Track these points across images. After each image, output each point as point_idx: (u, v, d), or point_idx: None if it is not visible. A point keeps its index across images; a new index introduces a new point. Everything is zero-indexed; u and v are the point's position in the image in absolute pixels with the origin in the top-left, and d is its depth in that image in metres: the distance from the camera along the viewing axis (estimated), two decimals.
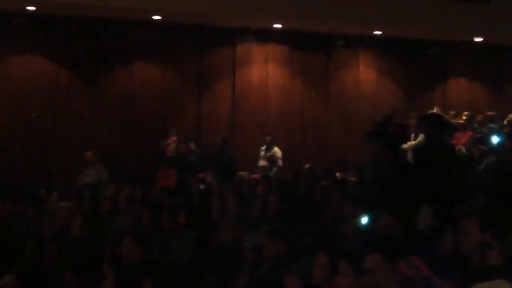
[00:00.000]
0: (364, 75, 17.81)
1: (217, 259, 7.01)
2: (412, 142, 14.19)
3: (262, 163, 15.49)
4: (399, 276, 4.06)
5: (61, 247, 7.82)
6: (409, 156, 14.08)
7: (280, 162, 15.35)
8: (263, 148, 15.52)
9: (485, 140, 13.97)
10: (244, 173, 15.26)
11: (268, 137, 15.53)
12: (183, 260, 6.77)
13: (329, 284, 4.86)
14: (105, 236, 8.79)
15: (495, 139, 13.69)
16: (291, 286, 4.59)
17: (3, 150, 14.90)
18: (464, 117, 15.29)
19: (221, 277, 6.48)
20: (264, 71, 16.99)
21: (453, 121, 14.70)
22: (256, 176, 14.45)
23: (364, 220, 7.49)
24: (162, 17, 15.52)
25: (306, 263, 5.79)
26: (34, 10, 14.63)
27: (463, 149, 13.97)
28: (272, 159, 15.35)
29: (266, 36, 16.88)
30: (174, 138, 15.38)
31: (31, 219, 10.17)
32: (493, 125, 15.04)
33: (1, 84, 15.07)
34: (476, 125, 15.26)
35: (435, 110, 15.49)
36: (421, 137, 13.80)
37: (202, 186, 13.27)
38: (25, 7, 14.40)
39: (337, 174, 14.07)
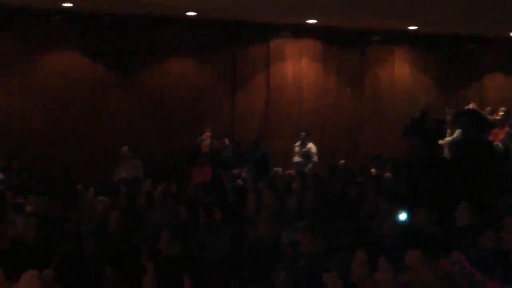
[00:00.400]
0: (399, 71, 17.69)
1: (253, 255, 7.01)
2: (448, 138, 14.07)
3: (296, 159, 15.47)
4: (441, 273, 4.02)
5: (98, 242, 7.92)
6: (445, 152, 13.99)
7: (315, 158, 15.32)
8: (298, 144, 15.50)
9: None
10: (279, 169, 15.26)
11: (303, 133, 15.50)
12: (219, 256, 6.77)
13: (368, 280, 4.83)
14: (141, 231, 8.87)
15: None
16: (331, 284, 4.57)
17: (41, 145, 15.08)
18: (501, 113, 15.13)
19: (258, 272, 6.49)
20: (298, 67, 16.96)
21: (490, 117, 14.53)
22: (291, 172, 14.45)
23: (402, 216, 7.46)
24: (196, 13, 15.56)
25: (343, 260, 5.78)
26: (71, 6, 14.76)
27: (500, 145, 13.84)
28: (307, 155, 15.33)
29: (300, 31, 16.84)
30: (208, 134, 15.43)
31: (69, 214, 10.26)
32: None
33: (38, 80, 15.23)
34: None
35: (471, 106, 15.36)
36: (457, 133, 13.70)
37: (240, 182, 13.31)
38: (62, 3, 14.52)
39: (372, 170, 14.04)
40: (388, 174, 13.19)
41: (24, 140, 14.94)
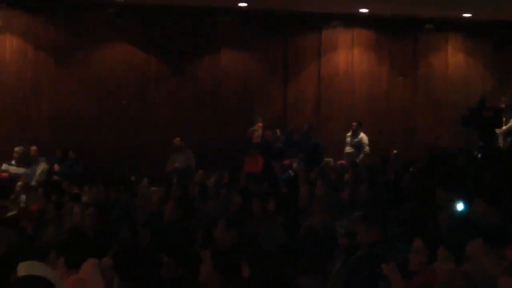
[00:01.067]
0: (453, 59, 17.38)
1: (308, 245, 6.98)
2: (504, 127, 13.81)
3: (348, 149, 15.37)
4: (506, 263, 3.93)
5: (153, 231, 8.00)
6: (500, 142, 13.74)
7: (367, 149, 15.19)
8: (349, 134, 15.39)
9: None
10: (330, 160, 15.18)
11: (354, 123, 15.38)
12: (274, 245, 6.76)
13: (427, 270, 4.77)
14: (195, 220, 8.92)
15: None
16: (390, 274, 4.51)
17: (95, 136, 15.30)
18: None
19: (313, 262, 6.45)
20: (350, 56, 16.82)
21: None
22: (343, 162, 14.36)
23: (459, 206, 7.33)
24: (248, 4, 15.55)
25: (400, 249, 5.71)
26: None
27: None
28: (358, 145, 15.21)
29: (352, 20, 16.69)
30: (260, 124, 15.44)
31: (124, 203, 10.38)
32: None
33: (92, 72, 15.45)
34: None
35: None
36: None
37: (291, 172, 13.28)
38: None
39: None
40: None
41: (79, 132, 15.18)
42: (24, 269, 3.93)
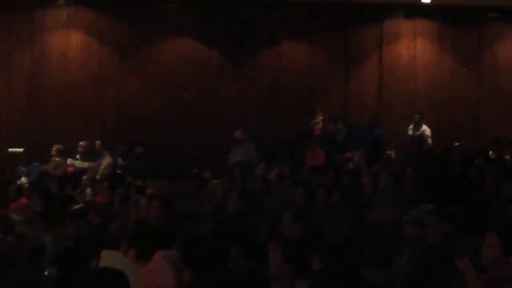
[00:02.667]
0: None
1: (374, 237, 6.93)
2: None
3: None
4: None
5: (218, 223, 8.05)
6: None
7: (429, 141, 14.94)
8: (411, 126, 15.17)
9: None
10: (392, 152, 15.03)
11: (417, 115, 15.14)
12: (340, 238, 6.74)
13: (502, 264, 4.66)
14: (259, 213, 8.94)
15: None
16: (465, 269, 4.42)
17: (157, 129, 15.46)
18: None
19: (380, 255, 6.39)
20: (412, 47, 16.55)
21: None
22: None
23: None
24: None
25: (471, 243, 5.61)
26: None
27: None
28: (421, 138, 14.98)
29: (414, 11, 16.43)
30: (321, 117, 15.35)
31: (188, 196, 10.47)
32: None
33: (154, 66, 15.61)
34: None
35: None
36: None
37: (352, 165, 13.19)
38: None
39: (490, 152, 13.55)
40: (508, 157, 12.72)
41: (142, 126, 15.36)
42: (107, 258, 3.99)
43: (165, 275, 4.97)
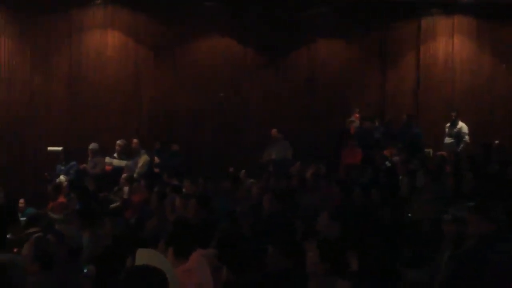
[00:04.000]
0: None
1: (413, 237, 6.87)
2: None
3: (447, 140, 14.98)
4: None
5: (254, 222, 8.04)
6: None
7: (466, 138, 14.76)
8: (448, 125, 15.00)
9: None
10: (429, 150, 14.89)
11: (453, 113, 14.97)
12: (378, 236, 6.67)
13: None
14: (295, 211, 8.91)
15: None
16: None
17: (193, 128, 15.51)
18: None
19: (419, 254, 6.33)
20: (450, 44, 16.36)
21: None
22: (443, 153, 14.03)
23: None
24: None
25: None
26: None
27: None
28: (458, 136, 14.80)
29: (452, 8, 16.24)
30: (357, 115, 15.27)
31: (224, 195, 10.49)
32: None
33: (190, 65, 15.66)
34: None
35: None
36: None
37: (387, 163, 13.09)
38: None
39: None
40: None
41: (177, 124, 15.43)
42: (142, 256, 4.00)
43: (203, 274, 4.97)
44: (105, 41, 15.30)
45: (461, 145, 14.63)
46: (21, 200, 12.47)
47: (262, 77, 15.91)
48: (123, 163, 13.87)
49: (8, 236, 7.82)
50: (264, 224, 7.96)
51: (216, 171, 13.24)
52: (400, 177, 10.95)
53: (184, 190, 10.75)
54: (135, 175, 13.17)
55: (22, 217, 10.45)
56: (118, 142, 14.13)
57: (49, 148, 14.51)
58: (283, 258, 5.06)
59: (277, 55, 15.99)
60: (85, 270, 6.06)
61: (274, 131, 14.58)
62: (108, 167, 13.82)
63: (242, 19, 15.81)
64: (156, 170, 14.03)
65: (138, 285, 3.17)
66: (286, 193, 9.69)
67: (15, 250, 6.85)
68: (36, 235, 6.22)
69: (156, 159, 14.33)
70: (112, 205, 11.07)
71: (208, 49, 15.75)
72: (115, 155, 14.09)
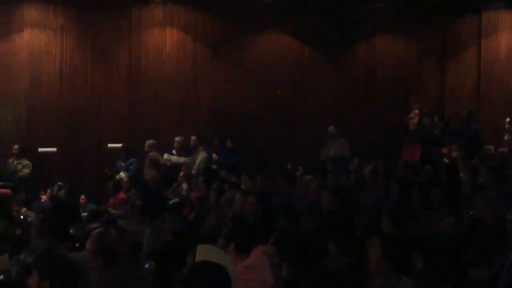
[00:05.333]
0: None
1: (476, 236, 6.73)
2: None
3: (506, 136, 14.63)
4: None
5: (313, 218, 8.00)
6: None
7: None
8: (508, 119, 14.64)
9: None
10: (490, 147, 14.58)
11: None
12: (441, 235, 6.57)
13: None
14: (354, 208, 8.85)
15: None
16: None
17: (250, 125, 15.53)
18: None
19: (482, 254, 6.21)
20: None
21: None
22: (504, 149, 13.74)
23: None
24: None
25: None
26: None
27: None
28: None
29: None
30: (416, 112, 15.07)
31: (282, 192, 10.48)
32: None
33: (248, 62, 15.70)
34: None
35: None
36: None
37: (446, 160, 12.89)
38: None
39: None
40: None
41: (235, 121, 15.47)
42: (202, 252, 4.03)
43: (264, 270, 4.97)
44: (164, 38, 15.44)
45: None
46: (82, 196, 12.68)
47: (320, 74, 15.85)
48: (181, 159, 13.98)
49: (70, 231, 7.99)
50: (324, 220, 7.91)
51: (273, 167, 13.23)
52: (461, 174, 10.76)
53: (242, 186, 10.78)
54: (193, 172, 13.27)
55: (83, 213, 10.69)
56: (177, 139, 14.25)
57: (109, 145, 14.74)
58: (344, 256, 5.02)
59: (336, 52, 15.90)
60: (146, 265, 6.12)
61: (331, 128, 14.51)
62: (167, 163, 13.94)
63: (300, 15, 15.75)
64: (214, 167, 14.10)
65: (203, 281, 3.20)
66: (344, 190, 9.61)
67: (77, 244, 7.00)
68: (98, 230, 6.33)
69: (214, 156, 14.41)
70: (171, 202, 11.21)
71: (266, 46, 15.76)
72: (174, 151, 14.21)
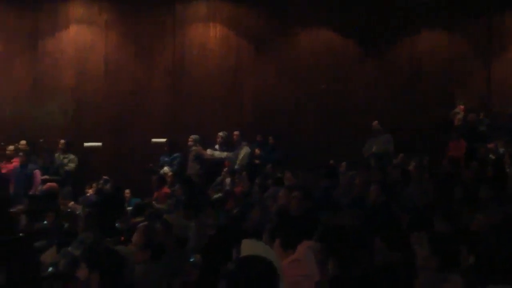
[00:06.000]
0: None
1: None
2: None
3: None
4: None
5: (357, 213, 7.95)
6: None
7: None
8: None
9: None
10: None
11: None
12: (489, 231, 6.45)
13: None
14: (399, 204, 8.77)
15: None
16: None
17: (294, 120, 15.50)
18: None
19: None
20: None
21: None
22: None
23: None
24: None
25: None
26: None
27: None
28: None
29: None
30: (462, 107, 14.87)
31: (326, 187, 10.44)
32: None
33: (291, 57, 15.64)
34: None
35: None
36: None
37: (492, 156, 12.70)
38: None
39: None
40: None
41: (279, 116, 15.45)
42: (247, 246, 4.03)
43: (310, 265, 4.96)
44: (207, 34, 15.50)
45: None
46: (127, 190, 12.81)
47: (363, 69, 15.72)
48: (224, 154, 14.04)
49: (116, 224, 8.09)
50: (370, 216, 7.85)
51: (316, 163, 13.20)
52: (508, 170, 10.61)
53: (285, 182, 10.77)
54: (236, 167, 13.31)
55: (127, 207, 10.81)
56: (220, 134, 14.32)
57: (153, 140, 14.86)
58: (391, 251, 4.98)
59: (379, 46, 15.75)
60: (192, 259, 6.17)
61: (375, 123, 14.39)
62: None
63: (343, 10, 15.65)
64: (257, 161, 14.12)
65: (250, 274, 3.20)
66: (388, 185, 9.54)
67: (122, 238, 7.08)
68: (144, 223, 6.39)
69: (257, 151, 14.42)
70: (215, 196, 11.25)
71: (309, 41, 15.69)
72: (217, 146, 14.27)
